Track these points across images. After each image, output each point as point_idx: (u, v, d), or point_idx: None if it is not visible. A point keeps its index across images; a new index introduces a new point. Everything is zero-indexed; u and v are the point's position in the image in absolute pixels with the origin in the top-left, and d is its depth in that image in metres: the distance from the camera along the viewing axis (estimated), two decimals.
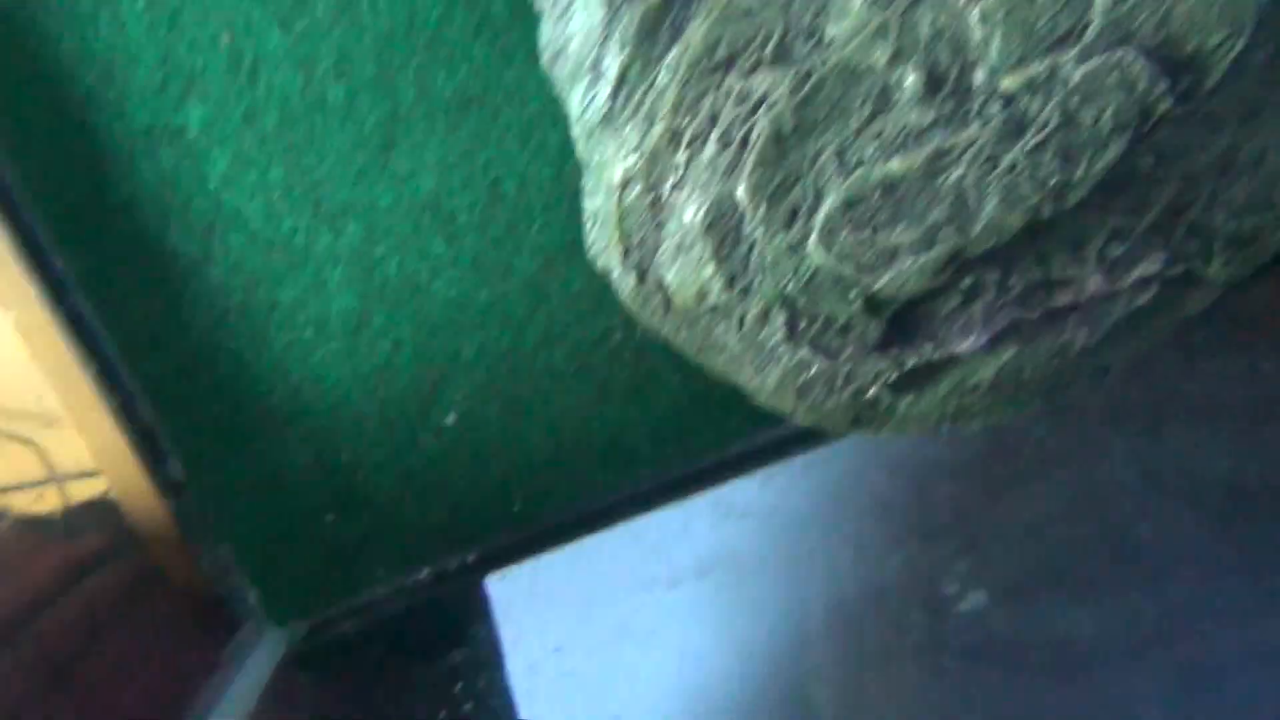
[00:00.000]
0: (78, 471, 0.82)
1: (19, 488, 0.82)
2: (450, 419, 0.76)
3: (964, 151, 0.48)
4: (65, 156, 0.68)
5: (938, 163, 0.49)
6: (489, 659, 0.72)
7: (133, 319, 0.71)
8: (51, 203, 0.69)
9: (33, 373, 0.76)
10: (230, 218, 0.70)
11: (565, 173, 0.71)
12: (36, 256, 0.69)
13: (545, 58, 0.58)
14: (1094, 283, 0.52)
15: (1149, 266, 0.50)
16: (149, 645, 0.74)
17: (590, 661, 0.69)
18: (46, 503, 0.82)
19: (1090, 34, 0.46)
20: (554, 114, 0.69)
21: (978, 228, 0.49)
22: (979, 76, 0.48)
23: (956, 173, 0.48)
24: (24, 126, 0.67)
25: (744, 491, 0.77)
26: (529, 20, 0.67)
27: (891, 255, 0.51)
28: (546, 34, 0.57)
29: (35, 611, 0.68)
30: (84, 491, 0.81)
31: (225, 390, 0.74)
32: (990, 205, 0.49)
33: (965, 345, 0.54)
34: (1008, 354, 0.54)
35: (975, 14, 0.47)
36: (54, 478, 0.82)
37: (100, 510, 0.79)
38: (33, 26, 0.65)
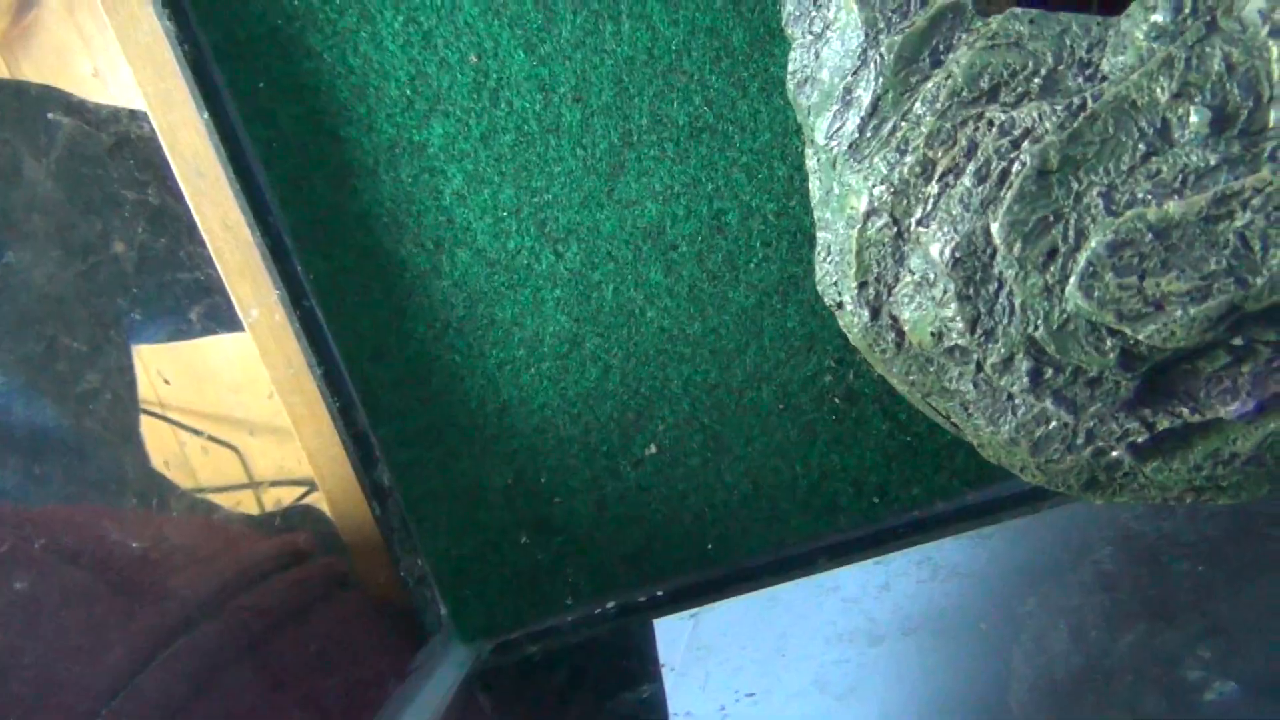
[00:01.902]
0: (276, 478, 0.85)
1: (221, 489, 0.86)
2: (651, 450, 0.75)
3: (1252, 196, 0.44)
4: (314, 166, 0.71)
5: (1221, 207, 0.45)
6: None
7: (360, 327, 0.74)
8: (297, 210, 0.72)
9: (246, 381, 0.79)
10: (460, 234, 0.71)
11: (789, 208, 0.69)
12: (281, 261, 0.72)
13: (791, 85, 0.57)
14: None
15: None
16: (338, 641, 0.76)
17: (786, 711, 0.66)
18: (247, 504, 0.86)
19: None
20: (783, 148, 0.68)
21: (1260, 281, 0.45)
22: (1275, 115, 0.44)
23: (1242, 219, 0.45)
24: (280, 136, 0.71)
25: (952, 551, 0.73)
26: (767, 52, 0.66)
27: (1159, 305, 0.47)
28: (796, 61, 0.56)
29: (239, 590, 0.70)
30: (280, 496, 0.84)
31: (437, 403, 0.75)
32: (1278, 257, 0.45)
33: (1228, 411, 0.50)
34: (1275, 424, 0.49)
35: (1277, 49, 0.43)
36: (253, 482, 0.86)
37: (307, 513, 0.82)
38: (299, 41, 0.69)
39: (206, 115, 0.70)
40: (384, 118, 0.70)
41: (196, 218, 0.71)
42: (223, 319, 0.75)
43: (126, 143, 0.72)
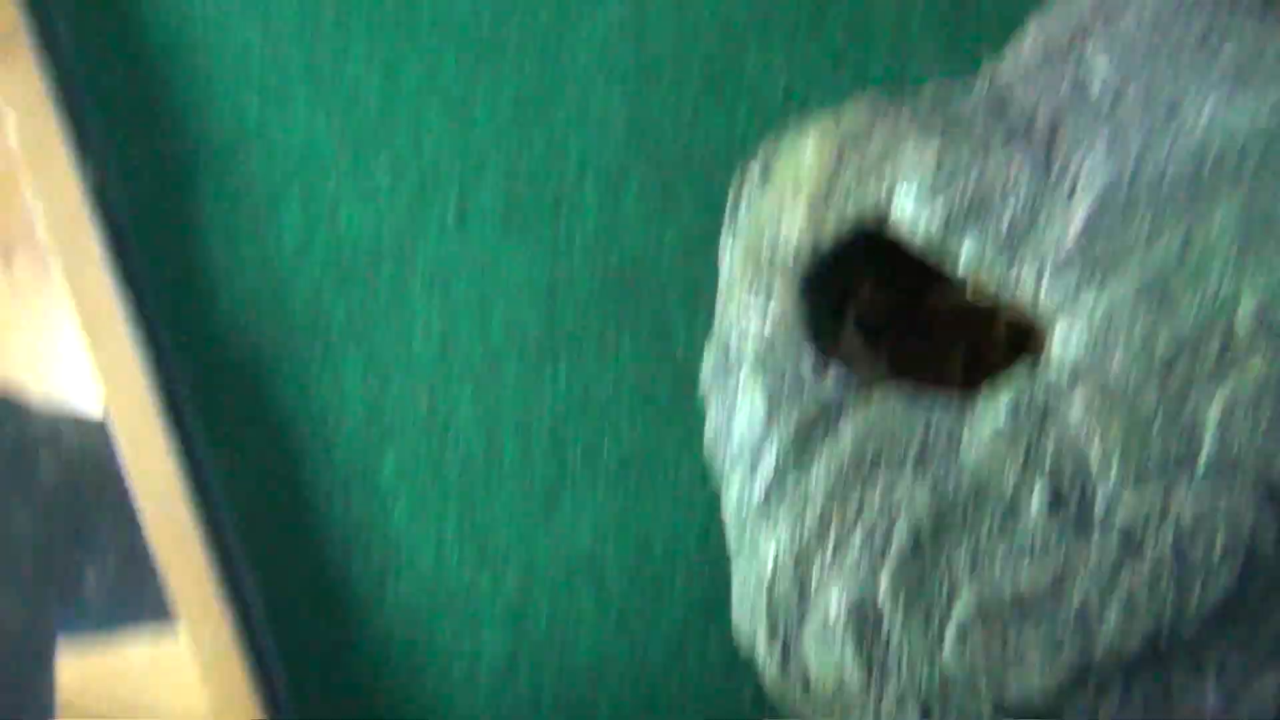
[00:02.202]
0: None
1: None
2: None
3: (1085, 569, 0.51)
4: (274, 496, 0.76)
5: (1062, 578, 0.51)
6: None
7: (305, 653, 0.76)
8: (255, 538, 0.76)
9: (181, 698, 0.79)
10: (405, 560, 0.76)
11: (710, 538, 0.75)
12: (234, 588, 0.75)
13: (707, 442, 0.64)
14: (1214, 699, 0.52)
15: (1267, 686, 0.51)
16: None
17: None
18: None
19: (1202, 462, 0.49)
20: (703, 479, 0.75)
21: (1099, 646, 0.50)
22: (1099, 497, 0.50)
23: (1079, 588, 0.51)
24: (245, 466, 0.76)
25: None
26: (690, 399, 0.74)
27: (1019, 663, 0.52)
28: (710, 421, 0.63)
29: None
30: None
31: None
32: (1110, 624, 0.50)
33: None
34: None
35: (1097, 436, 0.51)
36: None
37: None
38: (263, 379, 0.76)
39: (174, 440, 0.75)
40: (340, 449, 0.76)
41: (152, 543, 0.74)
42: (165, 631, 0.77)
43: (102, 473, 0.77)
